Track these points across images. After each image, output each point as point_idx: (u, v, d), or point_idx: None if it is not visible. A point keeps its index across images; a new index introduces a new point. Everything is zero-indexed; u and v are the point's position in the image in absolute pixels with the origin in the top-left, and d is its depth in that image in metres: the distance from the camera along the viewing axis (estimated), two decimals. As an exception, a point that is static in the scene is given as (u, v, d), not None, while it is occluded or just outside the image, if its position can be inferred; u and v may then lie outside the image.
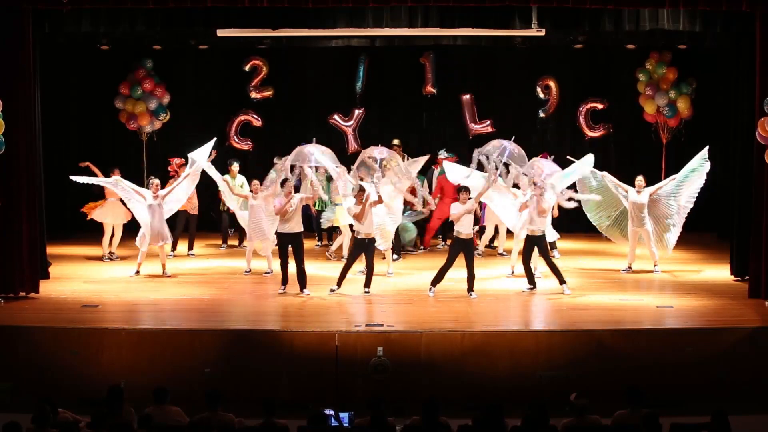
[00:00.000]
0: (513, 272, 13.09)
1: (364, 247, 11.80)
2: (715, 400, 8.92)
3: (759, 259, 11.59)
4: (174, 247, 14.38)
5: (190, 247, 14.62)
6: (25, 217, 11.68)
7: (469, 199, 11.67)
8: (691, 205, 13.06)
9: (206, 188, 14.38)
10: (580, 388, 8.56)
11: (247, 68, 16.36)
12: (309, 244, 14.90)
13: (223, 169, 14.31)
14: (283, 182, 12.11)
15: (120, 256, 14.12)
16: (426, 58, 16.30)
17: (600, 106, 16.41)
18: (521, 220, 12.53)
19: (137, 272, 13.07)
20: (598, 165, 14.72)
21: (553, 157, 14.29)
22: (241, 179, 14.36)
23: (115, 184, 13.04)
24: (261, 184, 12.98)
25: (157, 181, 13.00)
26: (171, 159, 14.63)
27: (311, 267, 13.66)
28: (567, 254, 14.47)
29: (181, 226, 14.42)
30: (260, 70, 16.38)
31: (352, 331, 10.29)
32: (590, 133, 16.44)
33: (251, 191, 13.25)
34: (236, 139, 16.50)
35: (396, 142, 14.78)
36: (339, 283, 11.90)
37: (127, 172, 13.87)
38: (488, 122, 16.40)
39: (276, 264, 13.17)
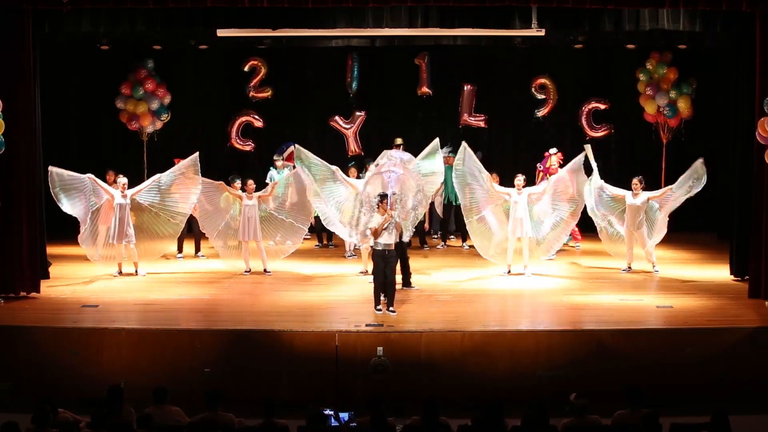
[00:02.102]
0: (509, 271, 13.08)
1: (384, 259, 11.12)
2: (715, 400, 8.91)
3: (759, 259, 11.59)
4: (180, 249, 14.38)
5: (197, 249, 14.58)
6: (25, 217, 11.69)
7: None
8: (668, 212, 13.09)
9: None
10: (580, 388, 8.57)
11: (246, 68, 16.36)
12: (309, 244, 14.95)
13: (223, 167, 14.32)
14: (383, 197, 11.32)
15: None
16: (421, 59, 16.31)
17: (602, 107, 16.39)
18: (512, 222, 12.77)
19: (120, 272, 13.09)
20: (600, 165, 14.73)
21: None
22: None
23: (88, 181, 12.84)
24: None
25: (124, 180, 12.92)
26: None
27: (312, 267, 13.70)
28: (567, 254, 14.46)
29: (185, 228, 14.32)
30: (259, 71, 16.38)
31: (352, 331, 10.28)
32: (592, 133, 16.43)
33: (244, 190, 13.24)
34: (238, 141, 16.48)
35: (398, 141, 14.73)
36: (378, 302, 11.23)
37: (128, 172, 13.81)
38: (482, 117, 16.42)
39: (272, 264, 13.24)
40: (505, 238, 13.00)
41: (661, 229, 13.08)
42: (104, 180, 13.37)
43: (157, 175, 13.21)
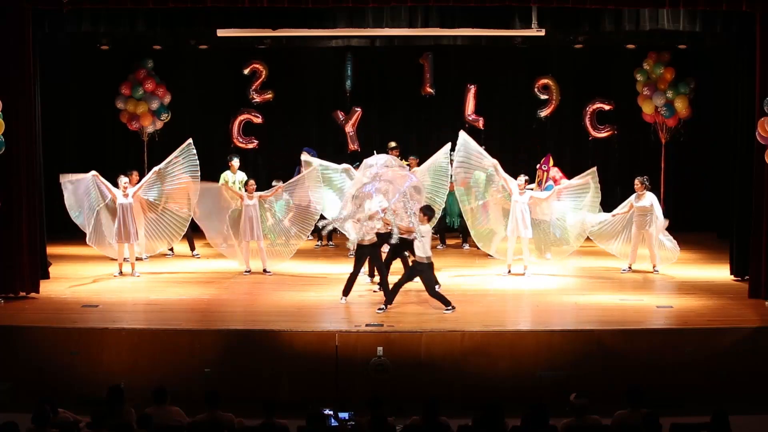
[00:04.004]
0: (509, 271, 13.08)
1: (369, 252, 11.47)
2: (715, 400, 8.90)
3: (759, 259, 11.58)
4: (171, 249, 14.42)
5: (192, 248, 14.60)
6: (25, 217, 11.69)
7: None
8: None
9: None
10: (580, 388, 8.55)
11: (246, 72, 16.38)
12: (309, 244, 14.94)
13: (224, 165, 14.33)
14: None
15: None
16: (425, 59, 16.31)
17: (607, 107, 16.39)
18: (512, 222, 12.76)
19: (120, 272, 13.09)
20: (600, 165, 14.75)
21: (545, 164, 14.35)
22: (241, 175, 14.38)
23: (94, 180, 12.91)
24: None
25: (126, 180, 12.96)
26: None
27: (312, 267, 13.70)
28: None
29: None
30: (260, 74, 16.40)
31: (352, 331, 10.29)
32: (595, 134, 16.43)
33: (246, 191, 13.24)
34: (240, 139, 16.50)
35: (392, 144, 14.70)
36: (346, 292, 11.53)
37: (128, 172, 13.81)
38: (480, 119, 16.41)
39: (272, 264, 13.24)
40: (504, 237, 13.00)
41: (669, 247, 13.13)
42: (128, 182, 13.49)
43: (155, 168, 13.27)
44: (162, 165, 13.19)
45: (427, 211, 11.13)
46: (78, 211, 13.00)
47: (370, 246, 11.43)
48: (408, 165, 13.94)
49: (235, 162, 14.25)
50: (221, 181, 14.15)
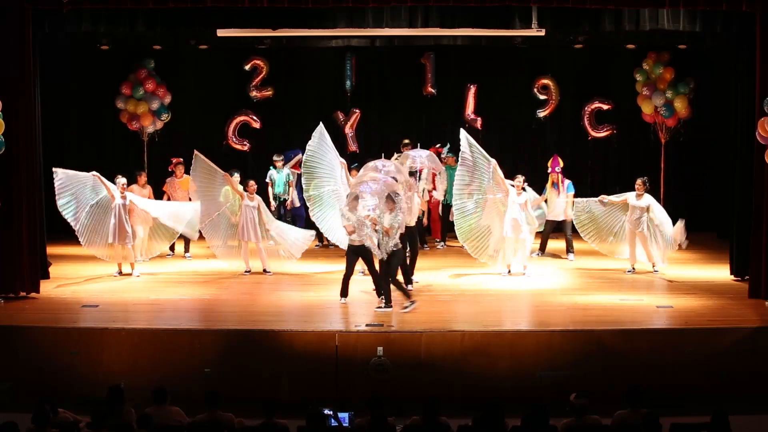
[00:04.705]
0: (509, 271, 13.07)
1: (359, 253, 11.39)
2: (715, 400, 8.90)
3: (759, 259, 11.58)
4: (172, 248, 14.43)
5: (186, 249, 14.58)
6: (24, 217, 11.69)
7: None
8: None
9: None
10: (580, 388, 8.55)
11: (247, 67, 16.37)
12: (309, 244, 14.91)
13: (224, 166, 14.32)
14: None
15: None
16: (426, 59, 16.31)
17: (605, 107, 16.38)
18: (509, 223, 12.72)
19: (120, 272, 13.12)
20: (600, 165, 14.76)
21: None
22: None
23: (94, 179, 12.90)
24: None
25: (123, 180, 12.94)
26: (173, 159, 14.61)
27: (312, 267, 13.70)
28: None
29: None
30: (260, 70, 16.39)
31: (352, 331, 10.29)
32: (594, 134, 16.44)
33: (246, 191, 13.23)
34: (234, 139, 16.49)
35: (406, 141, 14.68)
36: (343, 293, 11.53)
37: (128, 172, 13.81)
38: (478, 119, 16.40)
39: (272, 264, 13.25)
40: (501, 239, 12.98)
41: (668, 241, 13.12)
42: (135, 182, 13.63)
43: (161, 203, 13.56)
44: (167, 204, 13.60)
45: (396, 198, 11.14)
46: (67, 199, 12.81)
47: (361, 246, 11.34)
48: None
49: (236, 178, 13.94)
50: (221, 197, 13.95)
